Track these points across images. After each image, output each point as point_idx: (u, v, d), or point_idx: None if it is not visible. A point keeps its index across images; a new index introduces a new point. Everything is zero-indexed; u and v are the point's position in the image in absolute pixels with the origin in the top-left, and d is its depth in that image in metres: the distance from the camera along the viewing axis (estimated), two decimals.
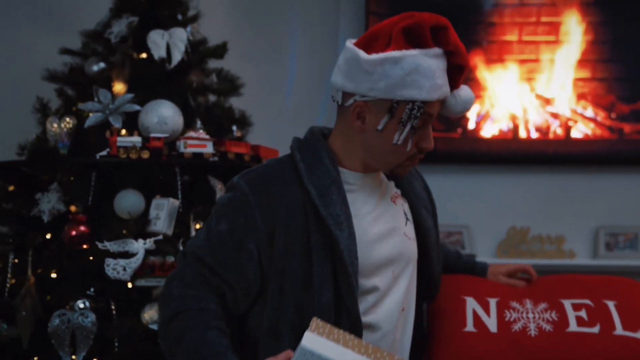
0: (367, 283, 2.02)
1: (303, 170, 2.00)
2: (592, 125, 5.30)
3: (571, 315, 2.41)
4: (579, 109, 5.29)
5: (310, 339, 1.76)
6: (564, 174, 5.29)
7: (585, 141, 5.29)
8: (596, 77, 5.30)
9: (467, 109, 2.08)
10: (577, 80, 5.30)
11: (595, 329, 2.38)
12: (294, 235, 1.98)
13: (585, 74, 5.30)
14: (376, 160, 2.06)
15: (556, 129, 5.24)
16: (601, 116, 5.28)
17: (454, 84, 2.03)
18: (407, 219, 2.15)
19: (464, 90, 2.06)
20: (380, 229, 2.08)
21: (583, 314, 2.40)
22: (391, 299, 2.09)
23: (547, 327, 2.35)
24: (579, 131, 5.26)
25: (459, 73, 2.03)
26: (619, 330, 2.39)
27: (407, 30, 1.95)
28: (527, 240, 5.19)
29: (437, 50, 1.96)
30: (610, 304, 2.39)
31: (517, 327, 2.44)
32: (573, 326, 2.40)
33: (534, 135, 5.25)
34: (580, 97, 5.29)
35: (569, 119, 5.24)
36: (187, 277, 2.02)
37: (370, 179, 2.10)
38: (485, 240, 5.33)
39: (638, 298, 2.47)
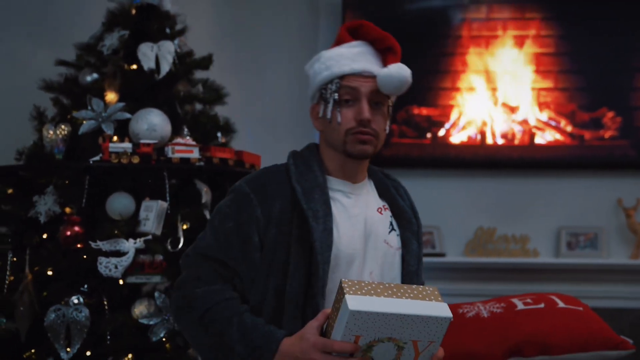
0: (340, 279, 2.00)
1: (293, 172, 2.11)
2: (554, 132, 5.32)
3: (518, 302, 2.60)
4: (543, 117, 5.31)
5: (354, 301, 1.77)
6: (528, 177, 5.32)
7: (548, 147, 5.31)
8: (558, 87, 5.32)
9: (400, 83, 2.09)
10: (540, 90, 5.31)
11: (541, 305, 2.57)
12: (283, 229, 2.05)
13: (548, 84, 5.32)
14: (334, 147, 2.14)
15: (521, 136, 5.26)
16: (563, 124, 5.31)
17: (384, 63, 2.11)
18: (393, 229, 2.19)
19: (394, 67, 2.10)
20: (360, 230, 2.13)
21: (529, 300, 2.60)
22: None
23: (498, 310, 2.53)
24: (542, 138, 5.28)
25: (388, 54, 2.11)
26: (561, 305, 2.60)
27: (337, 37, 2.18)
28: (493, 239, 5.24)
29: (353, 43, 2.13)
30: (552, 296, 2.61)
31: (470, 314, 2.62)
32: (520, 306, 2.59)
33: (500, 141, 5.27)
34: (544, 105, 5.31)
35: (533, 127, 5.27)
36: (202, 276, 2.08)
37: (357, 188, 2.18)
38: (455, 240, 5.38)
39: (573, 299, 2.68)
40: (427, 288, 1.88)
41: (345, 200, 2.16)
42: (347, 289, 1.81)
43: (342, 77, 2.10)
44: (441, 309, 1.83)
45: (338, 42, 2.17)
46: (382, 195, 2.25)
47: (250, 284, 2.08)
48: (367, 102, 2.10)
